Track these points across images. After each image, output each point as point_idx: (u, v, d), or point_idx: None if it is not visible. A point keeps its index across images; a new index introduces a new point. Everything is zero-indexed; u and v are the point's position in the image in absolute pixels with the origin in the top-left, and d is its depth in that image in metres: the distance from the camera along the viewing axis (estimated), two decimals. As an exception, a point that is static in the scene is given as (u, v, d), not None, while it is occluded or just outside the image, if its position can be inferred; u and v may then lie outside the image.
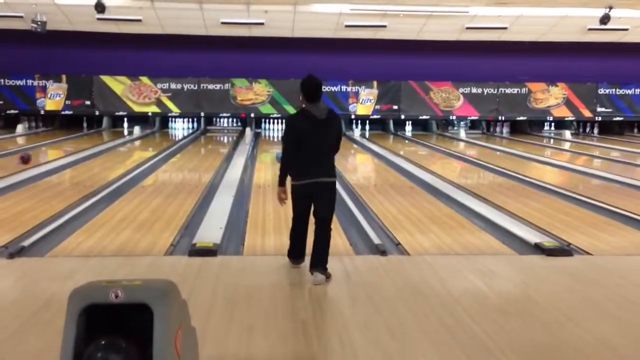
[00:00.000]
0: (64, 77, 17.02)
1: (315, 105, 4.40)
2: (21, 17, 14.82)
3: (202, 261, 4.75)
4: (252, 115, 17.38)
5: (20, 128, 16.41)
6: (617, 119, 18.10)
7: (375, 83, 17.52)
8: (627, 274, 4.71)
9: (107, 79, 17.09)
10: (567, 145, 15.54)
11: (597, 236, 5.83)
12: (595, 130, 18.61)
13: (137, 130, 16.85)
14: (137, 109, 17.25)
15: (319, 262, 4.35)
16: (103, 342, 2.12)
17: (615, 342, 3.41)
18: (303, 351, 3.26)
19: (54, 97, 17.06)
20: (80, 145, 13.45)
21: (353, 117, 17.74)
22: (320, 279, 4.28)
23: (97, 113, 17.35)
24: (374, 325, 3.61)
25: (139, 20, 15.35)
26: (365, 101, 17.58)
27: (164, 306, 2.24)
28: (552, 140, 17.34)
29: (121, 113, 17.36)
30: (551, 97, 17.91)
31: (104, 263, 4.66)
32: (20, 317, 3.59)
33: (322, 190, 4.41)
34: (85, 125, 17.73)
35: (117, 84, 17.17)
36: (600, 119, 18.12)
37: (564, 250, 5.19)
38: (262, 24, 15.44)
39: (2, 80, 16.87)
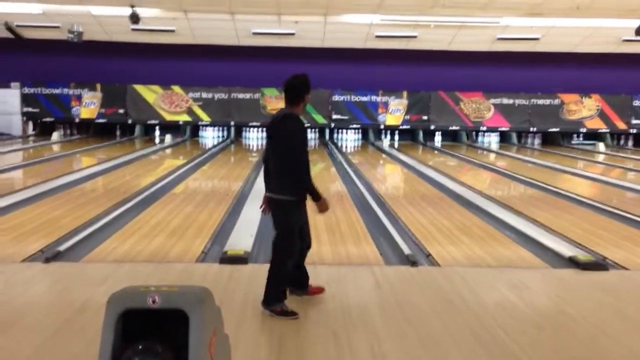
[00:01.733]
0: (98, 86, 17.39)
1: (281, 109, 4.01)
2: (58, 27, 15.23)
3: (232, 269, 4.78)
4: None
5: (55, 135, 16.79)
6: (653, 131, 17.74)
7: (405, 93, 17.49)
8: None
9: (140, 88, 17.40)
10: (600, 158, 15.26)
11: (632, 250, 5.71)
12: (630, 143, 18.24)
13: (168, 138, 17.09)
14: (168, 117, 17.52)
15: (263, 296, 3.89)
16: (140, 347, 2.15)
17: (653, 359, 3.32)
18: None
19: (88, 106, 17.43)
20: (113, 153, 13.70)
21: (382, 127, 17.72)
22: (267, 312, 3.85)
23: (130, 121, 17.66)
24: (405, 335, 3.59)
25: (172, 31, 15.63)
26: (394, 111, 17.56)
27: (200, 312, 2.27)
28: (585, 152, 17.05)
29: (153, 121, 17.64)
30: (584, 109, 17.65)
31: (137, 269, 4.73)
32: (57, 321, 3.66)
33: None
34: (118, 133, 18.05)
35: (150, 93, 17.47)
36: (635, 131, 17.76)
37: (599, 265, 5.10)
38: (292, 34, 15.59)
39: (38, 89, 17.31)
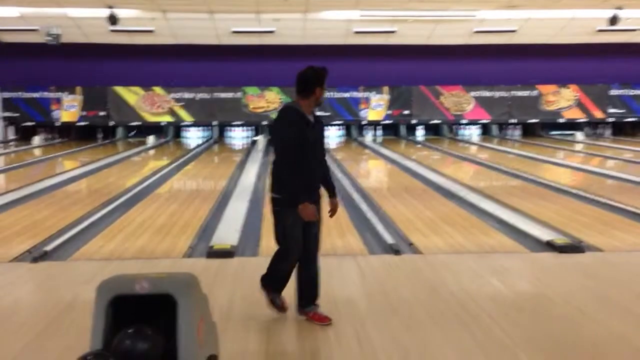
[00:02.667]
0: (78, 88, 17.28)
1: None
2: (36, 30, 15.11)
3: (220, 262, 4.85)
4: (264, 122, 17.54)
5: (36, 139, 16.68)
6: (630, 119, 18.03)
7: (386, 89, 17.61)
8: (637, 269, 4.75)
9: (121, 89, 17.33)
10: (579, 147, 15.51)
11: (610, 234, 5.86)
12: (608, 132, 18.54)
13: (151, 139, 17.05)
14: (150, 118, 17.47)
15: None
16: (130, 331, 2.21)
17: (630, 336, 3.44)
18: (321, 349, 3.34)
19: (69, 109, 17.31)
20: (95, 155, 13.65)
21: (365, 122, 17.83)
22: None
23: (111, 124, 17.58)
24: (390, 321, 3.68)
25: (151, 31, 15.59)
26: (376, 107, 17.68)
27: (188, 297, 2.34)
28: (564, 142, 17.29)
29: (135, 123, 17.58)
30: (562, 99, 17.90)
31: (125, 265, 4.77)
32: (46, 318, 3.70)
33: None
34: (100, 135, 17.96)
35: (131, 95, 17.40)
36: (612, 120, 18.06)
37: (575, 247, 5.23)
38: (272, 32, 15.62)
39: (18, 93, 17.16)
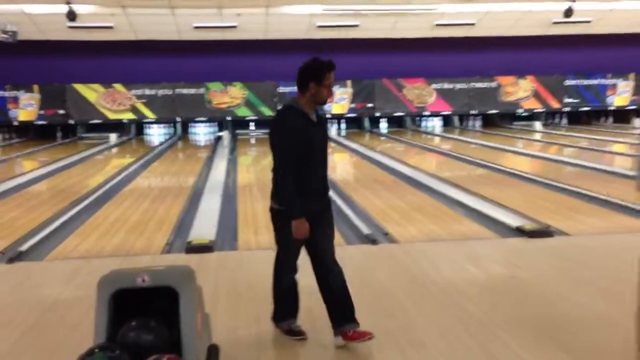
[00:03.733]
0: (36, 87, 16.86)
1: None
2: (-9, 27, 14.67)
3: (200, 257, 4.87)
4: (229, 118, 17.46)
5: (-7, 140, 16.25)
6: (584, 108, 18.63)
7: (349, 82, 17.74)
8: (603, 250, 4.99)
9: (80, 87, 16.97)
10: (537, 136, 15.96)
11: (573, 218, 6.11)
12: (564, 121, 19.12)
13: (113, 137, 16.78)
14: (112, 116, 17.18)
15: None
16: (134, 323, 2.25)
17: (602, 312, 3.64)
18: (310, 336, 3.41)
19: (26, 108, 16.88)
20: (56, 154, 13.37)
21: (329, 116, 17.92)
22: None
23: (71, 122, 17.22)
24: (374, 308, 3.78)
25: (111, 27, 15.32)
26: (340, 100, 17.80)
27: (189, 288, 2.39)
28: (523, 131, 17.76)
29: (96, 121, 17.25)
30: (520, 90, 18.36)
31: (105, 263, 4.74)
32: (31, 317, 3.68)
33: None
34: (59, 134, 17.57)
35: (91, 92, 17.07)
36: (568, 109, 18.63)
37: (544, 232, 5.45)
38: (234, 27, 15.55)
39: (-28, 93, 16.66)
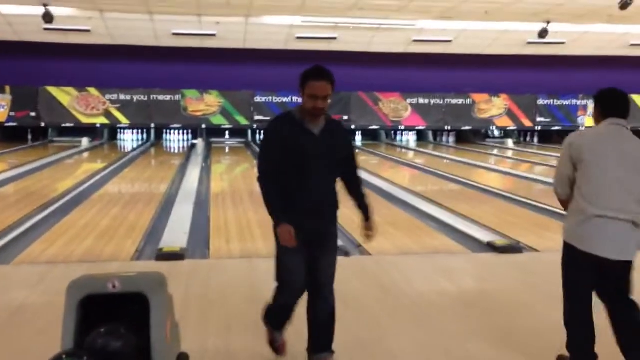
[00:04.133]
0: (8, 88, 16.57)
1: None
2: (-37, 26, 14.41)
3: (170, 265, 4.81)
4: (204, 126, 17.37)
5: (-39, 141, 15.88)
6: (556, 128, 19.00)
7: (325, 94, 17.78)
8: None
9: (53, 89, 16.74)
10: (509, 153, 16.21)
11: (543, 235, 6.21)
12: (536, 139, 19.46)
13: (85, 142, 16.54)
14: (84, 120, 16.96)
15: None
16: (103, 330, 2.21)
17: (560, 319, 3.70)
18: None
19: (-3, 109, 16.58)
20: (26, 157, 13.14)
21: (304, 127, 17.95)
22: None
23: (42, 125, 16.95)
24: (345, 318, 3.76)
25: (88, 31, 15.16)
26: (316, 112, 17.83)
27: (160, 295, 2.36)
28: (495, 148, 18.03)
29: (68, 124, 17.01)
30: (494, 108, 18.66)
31: (73, 268, 4.62)
32: (-6, 322, 3.59)
33: None
34: (30, 137, 17.26)
35: (64, 95, 16.84)
36: (540, 128, 18.98)
37: (514, 248, 5.53)
38: (213, 35, 15.51)
39: (-59, 91, 16.29)
